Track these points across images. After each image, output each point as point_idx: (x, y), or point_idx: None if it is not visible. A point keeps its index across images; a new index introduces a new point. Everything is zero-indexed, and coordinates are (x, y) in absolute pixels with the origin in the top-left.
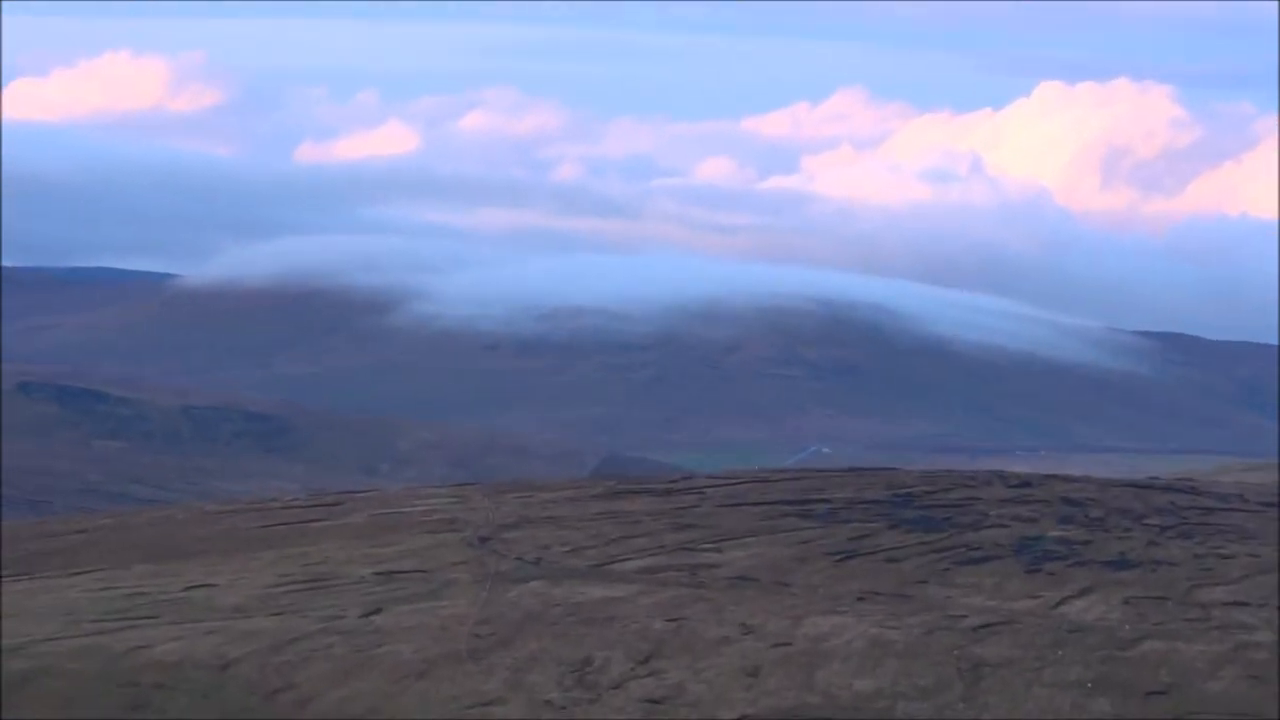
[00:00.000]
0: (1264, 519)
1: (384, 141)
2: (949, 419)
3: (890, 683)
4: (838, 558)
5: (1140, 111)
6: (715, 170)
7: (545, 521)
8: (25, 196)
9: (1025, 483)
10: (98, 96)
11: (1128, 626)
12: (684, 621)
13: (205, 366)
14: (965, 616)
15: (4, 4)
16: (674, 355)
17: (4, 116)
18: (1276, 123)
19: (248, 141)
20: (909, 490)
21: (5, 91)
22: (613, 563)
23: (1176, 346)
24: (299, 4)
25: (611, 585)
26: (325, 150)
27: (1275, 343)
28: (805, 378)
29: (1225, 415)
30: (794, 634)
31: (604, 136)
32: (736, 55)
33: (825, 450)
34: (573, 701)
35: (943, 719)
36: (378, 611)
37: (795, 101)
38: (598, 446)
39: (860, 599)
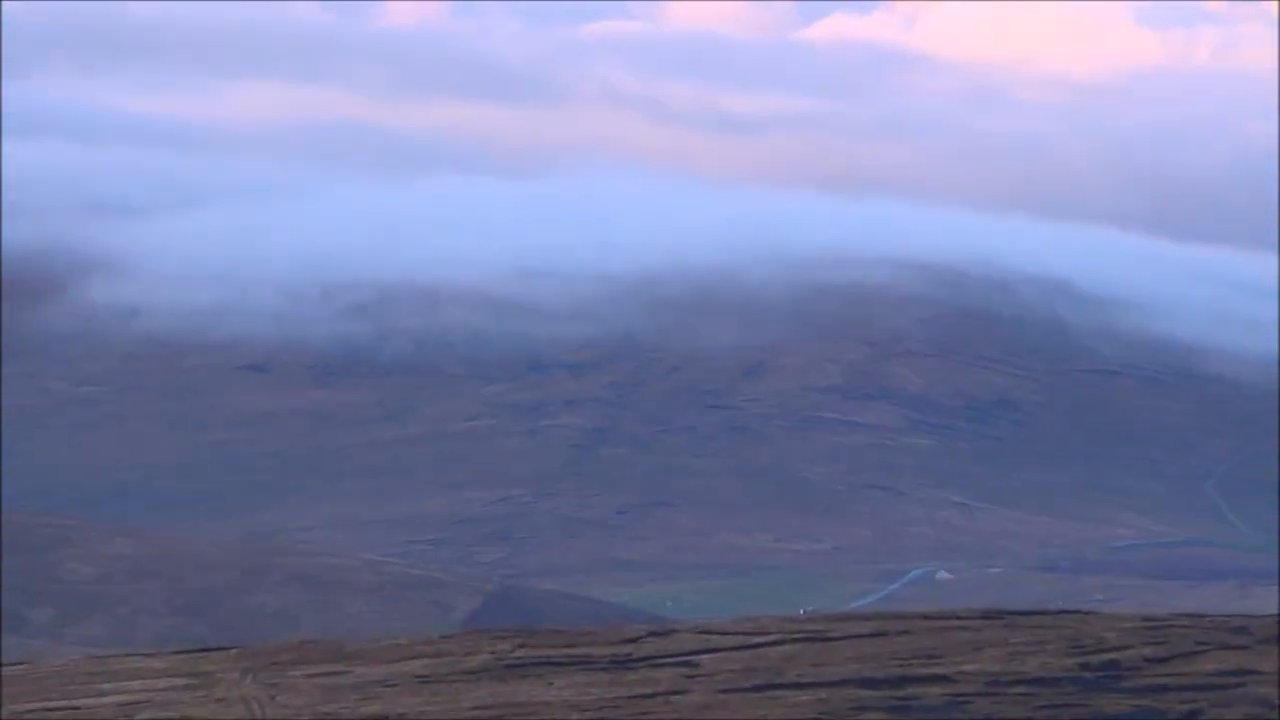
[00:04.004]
0: None
1: None
2: (1192, 509)
3: None
4: None
5: None
6: (712, 6)
7: None
8: None
9: None
10: None
11: None
12: None
13: None
14: None
15: None
16: (632, 386)
17: None
18: None
19: None
20: (1112, 655)
21: None
22: None
23: None
24: None
25: None
26: None
27: None
28: (904, 428)
29: None
30: None
31: None
32: None
33: (943, 574)
34: None
35: None
36: None
37: None
38: (478, 572)
39: None
